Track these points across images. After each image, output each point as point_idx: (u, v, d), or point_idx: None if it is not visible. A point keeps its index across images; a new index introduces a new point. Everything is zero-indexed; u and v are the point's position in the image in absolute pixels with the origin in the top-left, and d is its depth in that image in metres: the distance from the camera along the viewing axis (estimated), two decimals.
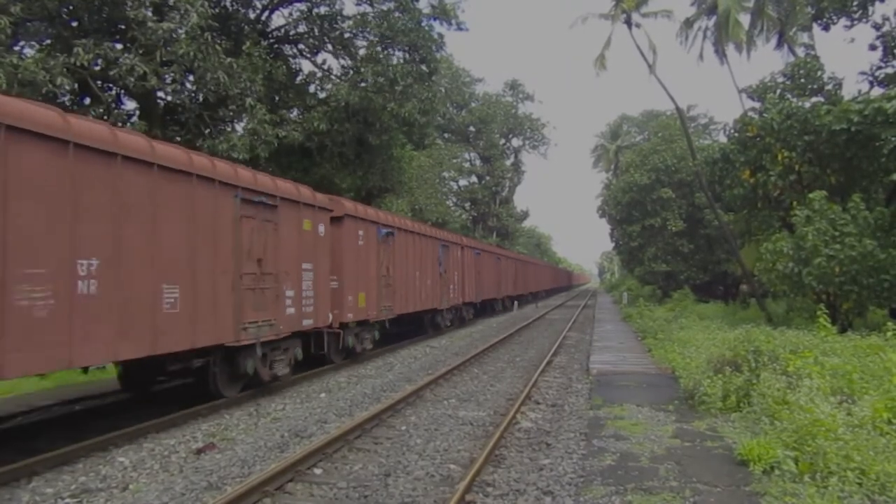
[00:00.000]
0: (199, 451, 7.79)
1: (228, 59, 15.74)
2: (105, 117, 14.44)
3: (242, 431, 8.89)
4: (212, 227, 9.55)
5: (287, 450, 7.82)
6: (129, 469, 7.11)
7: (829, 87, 17.92)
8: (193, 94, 16.56)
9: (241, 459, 7.36)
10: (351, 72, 21.09)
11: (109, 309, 7.50)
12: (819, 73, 18.02)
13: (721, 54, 30.73)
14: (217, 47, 15.29)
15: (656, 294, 39.14)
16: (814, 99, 17.41)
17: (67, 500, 6.18)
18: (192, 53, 14.39)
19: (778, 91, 18.15)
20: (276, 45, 21.89)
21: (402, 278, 18.50)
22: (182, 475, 6.86)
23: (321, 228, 13.08)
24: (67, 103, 14.42)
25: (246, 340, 10.25)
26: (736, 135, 18.95)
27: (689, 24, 31.91)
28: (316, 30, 21.61)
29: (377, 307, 16.46)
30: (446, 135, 54.64)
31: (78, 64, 13.13)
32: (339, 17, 21.52)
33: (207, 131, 16.47)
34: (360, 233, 15.51)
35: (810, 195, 15.20)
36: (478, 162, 58.85)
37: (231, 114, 16.90)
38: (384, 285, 17.01)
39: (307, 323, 12.41)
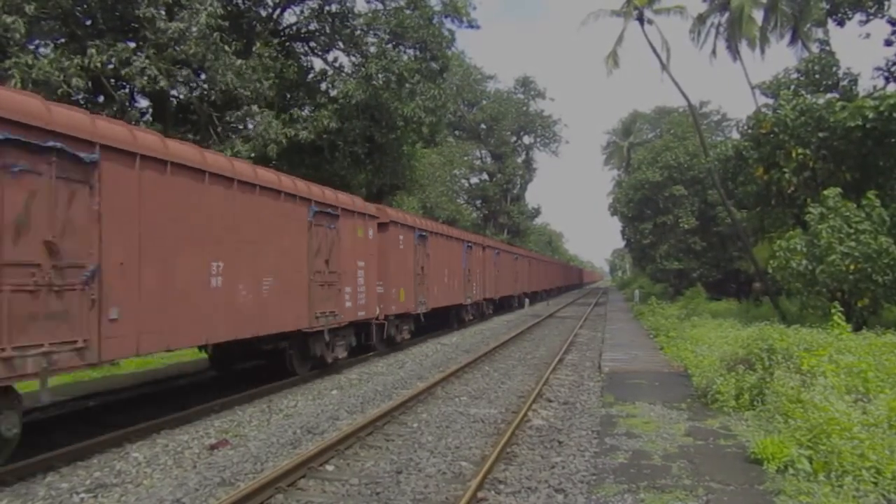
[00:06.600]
0: (212, 448, 7.84)
1: (239, 61, 15.77)
2: (119, 116, 14.53)
3: (255, 428, 8.94)
4: (458, 255, 23.52)
5: (299, 446, 7.85)
6: (144, 464, 7.17)
7: (844, 83, 17.75)
8: (205, 94, 16.62)
9: (254, 456, 7.40)
10: (362, 69, 21.12)
11: (448, 285, 21.96)
12: (834, 68, 17.85)
13: (734, 51, 30.50)
14: (226, 48, 15.32)
15: (668, 292, 38.95)
16: (828, 95, 17.25)
17: (83, 495, 6.24)
18: (201, 54, 14.43)
19: (792, 87, 17.98)
20: (287, 43, 21.93)
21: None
22: (195, 471, 6.91)
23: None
24: (82, 101, 14.50)
25: (467, 302, 24.53)
26: (749, 131, 18.78)
27: (701, 20, 31.69)
28: (327, 27, 21.63)
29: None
30: (457, 132, 54.61)
31: (91, 66, 13.21)
32: (350, 15, 21.53)
33: (218, 129, 16.52)
34: (494, 255, 28.70)
35: (824, 192, 15.06)
36: (489, 159, 58.82)
37: (241, 116, 16.94)
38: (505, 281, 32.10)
39: (476, 297, 26.73)
